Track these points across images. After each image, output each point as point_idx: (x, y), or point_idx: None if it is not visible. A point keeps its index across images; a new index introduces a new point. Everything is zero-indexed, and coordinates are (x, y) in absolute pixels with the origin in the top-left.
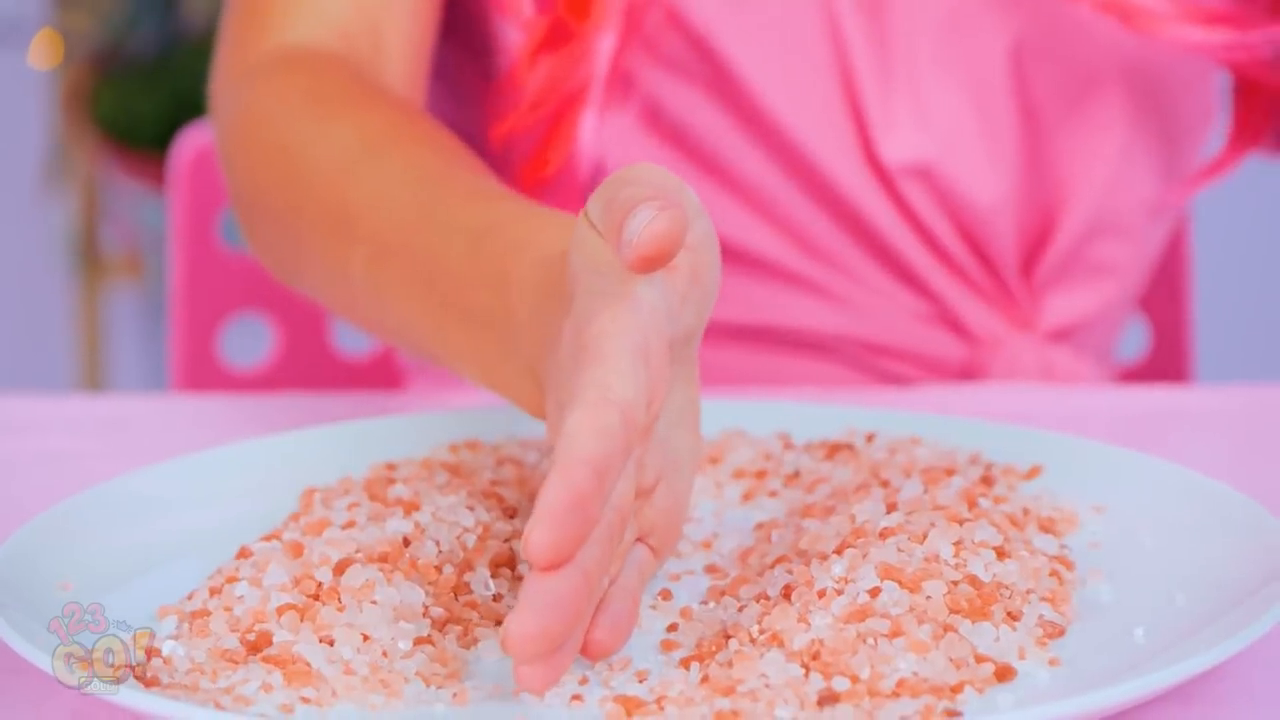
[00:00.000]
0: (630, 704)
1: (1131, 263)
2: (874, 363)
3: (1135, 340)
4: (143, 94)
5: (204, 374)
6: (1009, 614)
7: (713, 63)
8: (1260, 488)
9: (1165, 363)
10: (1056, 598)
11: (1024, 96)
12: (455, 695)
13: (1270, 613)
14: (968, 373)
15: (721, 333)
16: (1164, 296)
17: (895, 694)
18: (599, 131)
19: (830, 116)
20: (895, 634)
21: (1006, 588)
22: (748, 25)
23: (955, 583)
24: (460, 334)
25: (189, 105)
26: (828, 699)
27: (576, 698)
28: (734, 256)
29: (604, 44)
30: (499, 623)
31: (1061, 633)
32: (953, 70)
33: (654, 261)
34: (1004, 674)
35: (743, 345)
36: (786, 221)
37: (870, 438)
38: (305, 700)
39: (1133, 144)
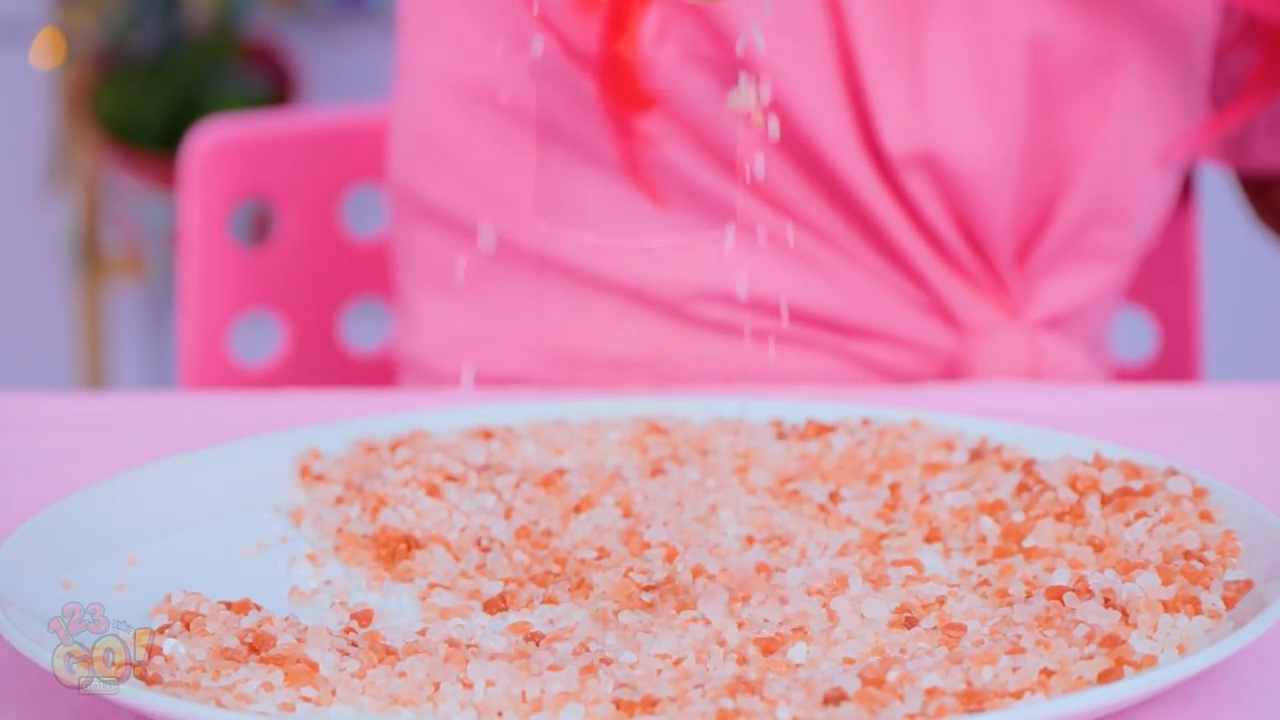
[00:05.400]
0: (628, 705)
1: (1127, 247)
2: (861, 351)
3: (1143, 340)
4: (144, 93)
5: (213, 371)
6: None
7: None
8: (1266, 486)
9: (1173, 362)
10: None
11: (1036, 81)
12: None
13: (1270, 611)
14: (956, 362)
15: (710, 300)
16: (1172, 296)
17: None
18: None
19: (831, 100)
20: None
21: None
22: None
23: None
24: None
25: (191, 104)
26: (834, 698)
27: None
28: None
29: None
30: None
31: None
32: (962, 53)
33: None
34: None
35: (728, 333)
36: (782, 198)
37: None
38: (305, 699)
39: (1137, 124)
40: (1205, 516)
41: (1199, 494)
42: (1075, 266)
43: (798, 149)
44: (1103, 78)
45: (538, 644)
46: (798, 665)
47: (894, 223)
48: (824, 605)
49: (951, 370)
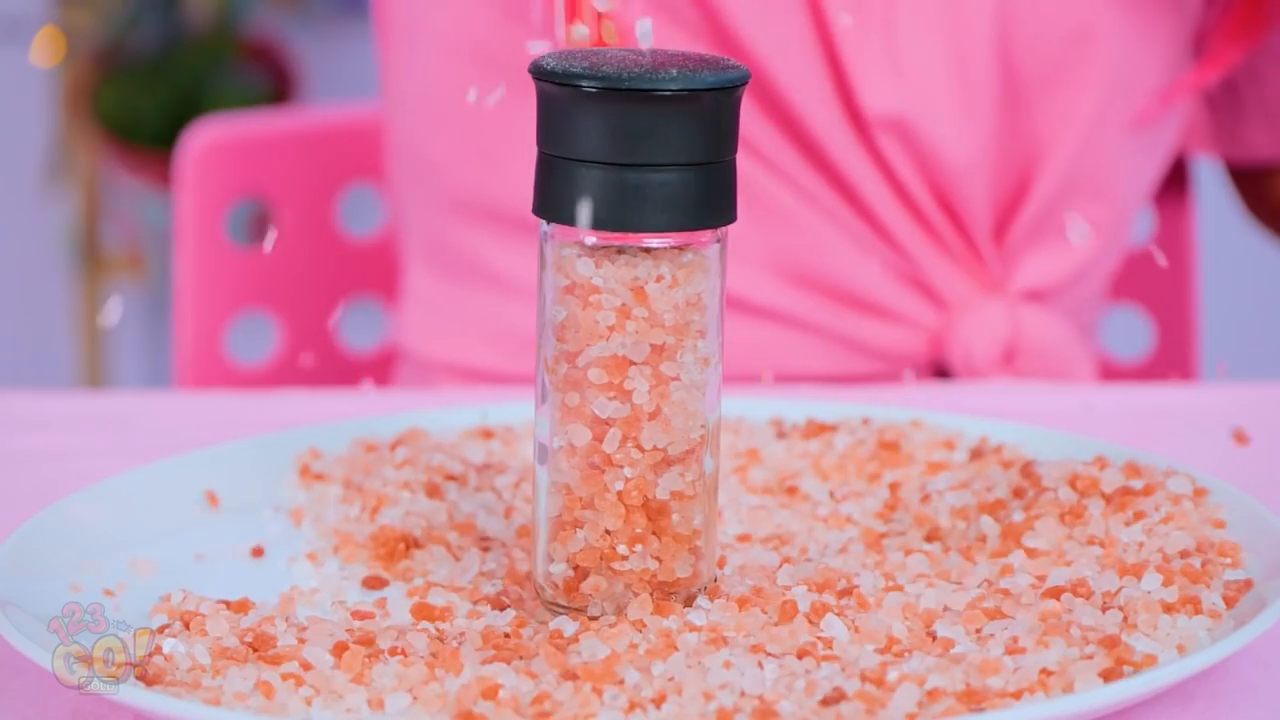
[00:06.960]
0: (629, 705)
1: (1108, 222)
2: (846, 329)
3: (1139, 338)
4: (144, 91)
5: (209, 371)
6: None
7: (701, 6)
8: (1266, 486)
9: (1170, 361)
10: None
11: (1005, 53)
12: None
13: (1270, 611)
14: (937, 337)
15: None
16: (1169, 294)
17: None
18: None
19: (809, 64)
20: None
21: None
22: None
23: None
24: None
25: (190, 103)
26: (833, 698)
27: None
28: None
29: None
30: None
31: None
32: (933, 22)
33: None
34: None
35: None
36: (768, 165)
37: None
38: (304, 699)
39: (1117, 97)
40: (1205, 516)
41: (1199, 494)
42: (1054, 241)
43: (778, 112)
44: (1078, 50)
45: (536, 644)
46: (798, 664)
47: (874, 190)
48: (824, 605)
49: (933, 346)
